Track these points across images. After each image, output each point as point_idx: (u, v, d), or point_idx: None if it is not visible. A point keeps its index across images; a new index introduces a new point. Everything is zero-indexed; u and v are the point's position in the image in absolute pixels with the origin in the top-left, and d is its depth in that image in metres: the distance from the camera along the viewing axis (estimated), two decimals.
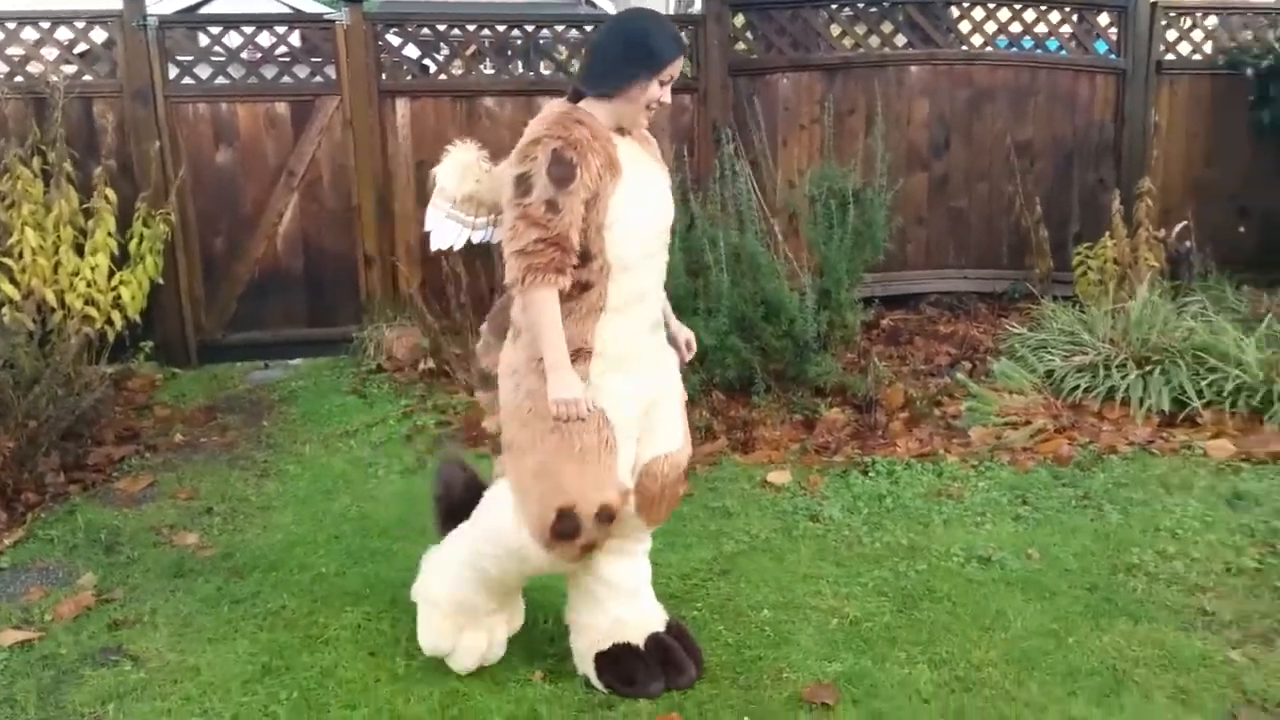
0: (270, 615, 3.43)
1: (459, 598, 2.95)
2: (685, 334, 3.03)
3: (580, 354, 2.66)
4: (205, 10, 12.51)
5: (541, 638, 3.22)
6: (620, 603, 2.96)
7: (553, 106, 2.76)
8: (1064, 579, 3.49)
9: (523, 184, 2.60)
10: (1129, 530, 3.85)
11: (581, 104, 2.76)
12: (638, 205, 2.68)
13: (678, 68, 2.73)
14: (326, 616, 3.39)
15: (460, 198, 2.89)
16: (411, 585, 3.11)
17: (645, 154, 2.83)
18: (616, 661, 2.92)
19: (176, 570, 3.79)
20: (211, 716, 2.88)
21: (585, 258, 2.61)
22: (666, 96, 2.75)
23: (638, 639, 2.95)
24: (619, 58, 2.71)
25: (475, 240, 2.93)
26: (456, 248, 2.91)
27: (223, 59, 6.28)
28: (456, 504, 3.07)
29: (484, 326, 3.02)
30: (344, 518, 4.23)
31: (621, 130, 2.76)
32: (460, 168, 2.87)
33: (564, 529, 2.67)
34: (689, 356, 3.03)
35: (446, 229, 2.90)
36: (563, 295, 2.61)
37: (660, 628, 3.01)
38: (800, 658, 3.05)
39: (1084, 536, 3.81)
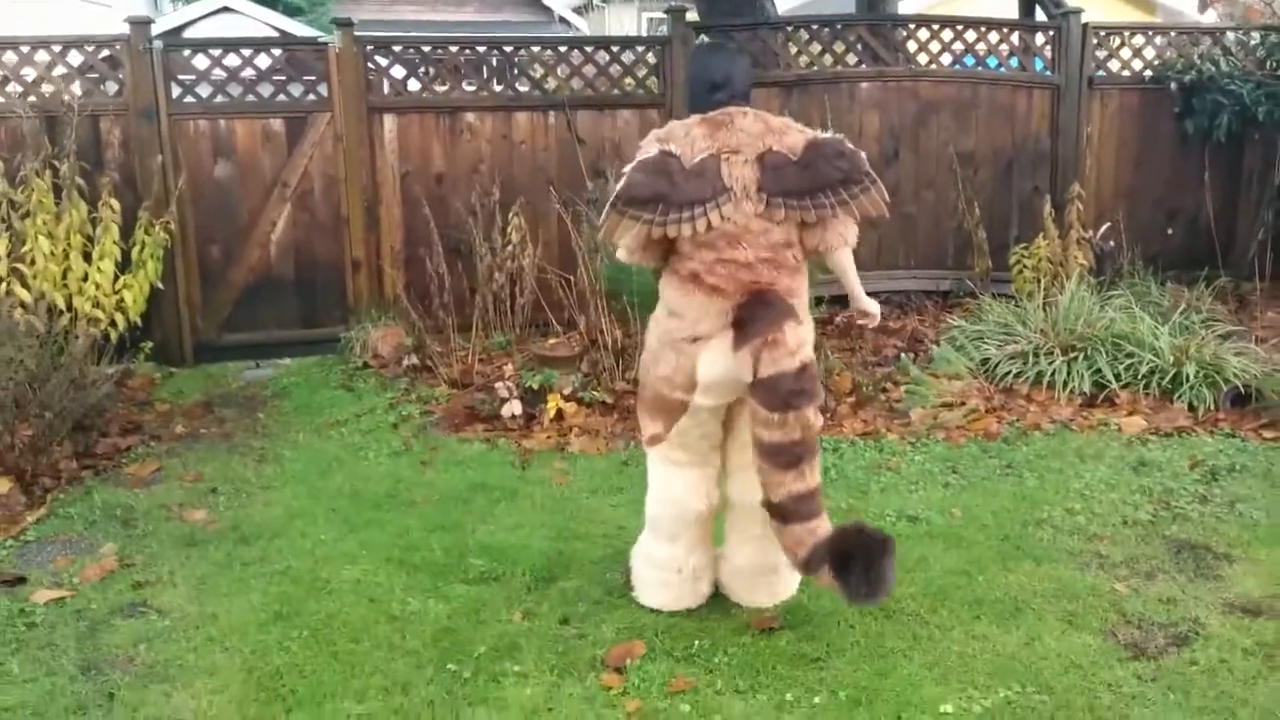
0: (277, 574, 3.84)
1: None
2: None
3: None
4: (188, 34, 12.94)
5: (520, 586, 3.66)
6: None
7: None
8: (981, 532, 3.97)
9: None
10: (1043, 492, 4.34)
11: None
12: None
13: None
14: (328, 573, 3.81)
15: None
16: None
17: None
18: None
19: (189, 540, 4.19)
20: (233, 652, 3.29)
21: None
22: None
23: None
24: None
25: None
26: None
27: (223, 79, 6.72)
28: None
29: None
30: (339, 494, 4.64)
31: None
32: None
33: None
34: None
35: None
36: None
37: None
38: None
39: (1003, 498, 4.30)
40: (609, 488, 4.58)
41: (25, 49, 6.35)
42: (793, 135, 3.20)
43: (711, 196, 3.08)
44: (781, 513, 3.07)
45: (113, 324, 5.96)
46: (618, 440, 5.14)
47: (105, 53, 6.53)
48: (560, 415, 5.37)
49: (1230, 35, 7.86)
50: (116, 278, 6.05)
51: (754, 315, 3.05)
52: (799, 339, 3.03)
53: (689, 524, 3.36)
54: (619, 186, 3.14)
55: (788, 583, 3.47)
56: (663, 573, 3.42)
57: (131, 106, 6.48)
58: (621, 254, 3.28)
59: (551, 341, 6.17)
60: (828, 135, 3.22)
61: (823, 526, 3.08)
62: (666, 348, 3.24)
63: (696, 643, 3.21)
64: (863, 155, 3.22)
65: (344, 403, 5.96)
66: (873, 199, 3.18)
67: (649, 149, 3.19)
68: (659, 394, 3.28)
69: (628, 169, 3.17)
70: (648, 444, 3.41)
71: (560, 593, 3.59)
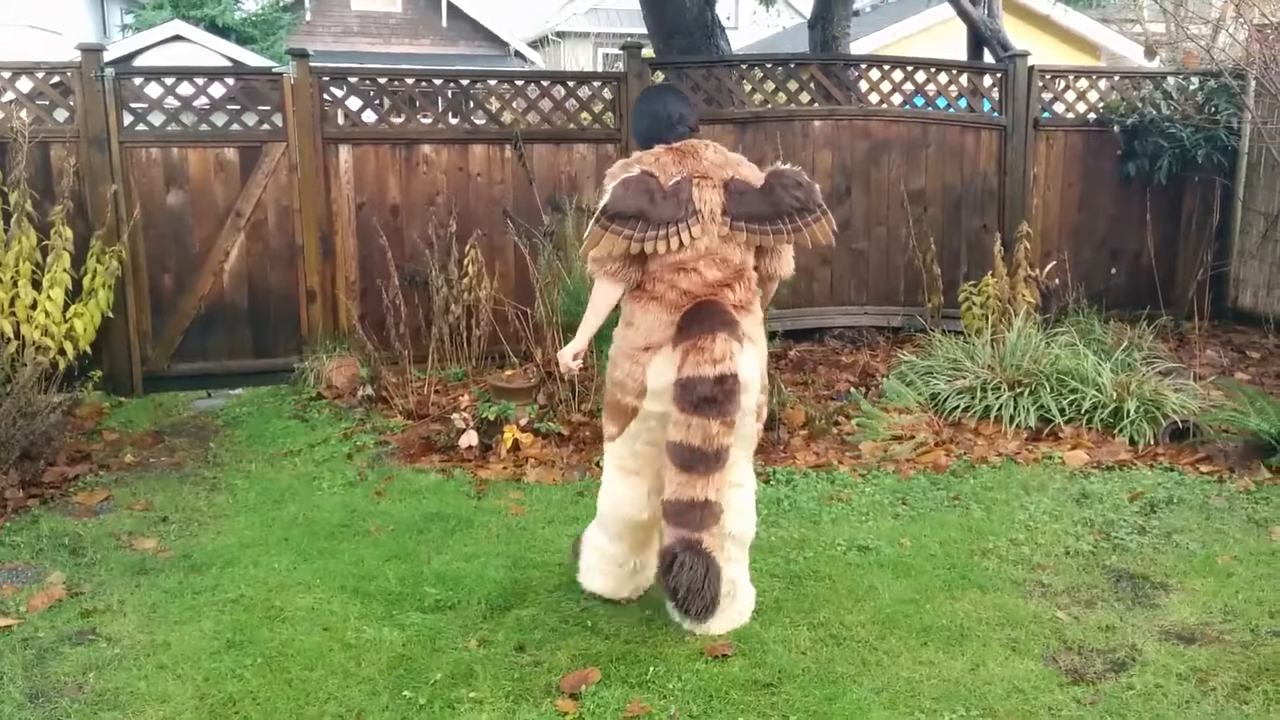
0: (230, 602, 3.82)
1: None
2: None
3: None
4: (140, 62, 12.86)
5: (475, 614, 3.67)
6: None
7: None
8: (929, 561, 4.05)
9: None
10: (989, 523, 4.44)
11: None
12: None
13: None
14: (282, 602, 3.80)
15: None
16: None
17: None
18: None
19: (139, 569, 4.15)
20: (185, 680, 3.27)
21: None
22: None
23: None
24: None
25: None
26: None
27: (176, 107, 6.70)
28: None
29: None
30: (292, 523, 4.63)
31: None
32: None
33: None
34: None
35: None
36: None
37: None
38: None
39: (951, 529, 4.38)
40: (565, 518, 4.60)
41: None
42: (746, 168, 3.46)
43: (684, 217, 3.27)
44: (664, 511, 3.28)
45: (62, 352, 5.89)
46: (574, 471, 5.17)
47: (56, 79, 6.49)
48: (516, 446, 5.40)
49: (1171, 80, 8.11)
50: (67, 306, 5.99)
51: (693, 321, 3.27)
52: (726, 351, 3.18)
53: (632, 528, 3.59)
54: (604, 202, 3.29)
55: (741, 608, 3.52)
56: (608, 564, 3.68)
57: (82, 134, 6.45)
58: (594, 267, 3.40)
59: (508, 373, 6.20)
60: (786, 166, 3.44)
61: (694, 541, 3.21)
62: (622, 356, 3.45)
63: (651, 669, 3.24)
64: (817, 187, 3.45)
65: (297, 433, 5.94)
66: (823, 228, 3.40)
67: (630, 169, 3.35)
68: (615, 398, 3.49)
69: (611, 185, 3.32)
70: (607, 441, 3.61)
71: (516, 620, 3.61)
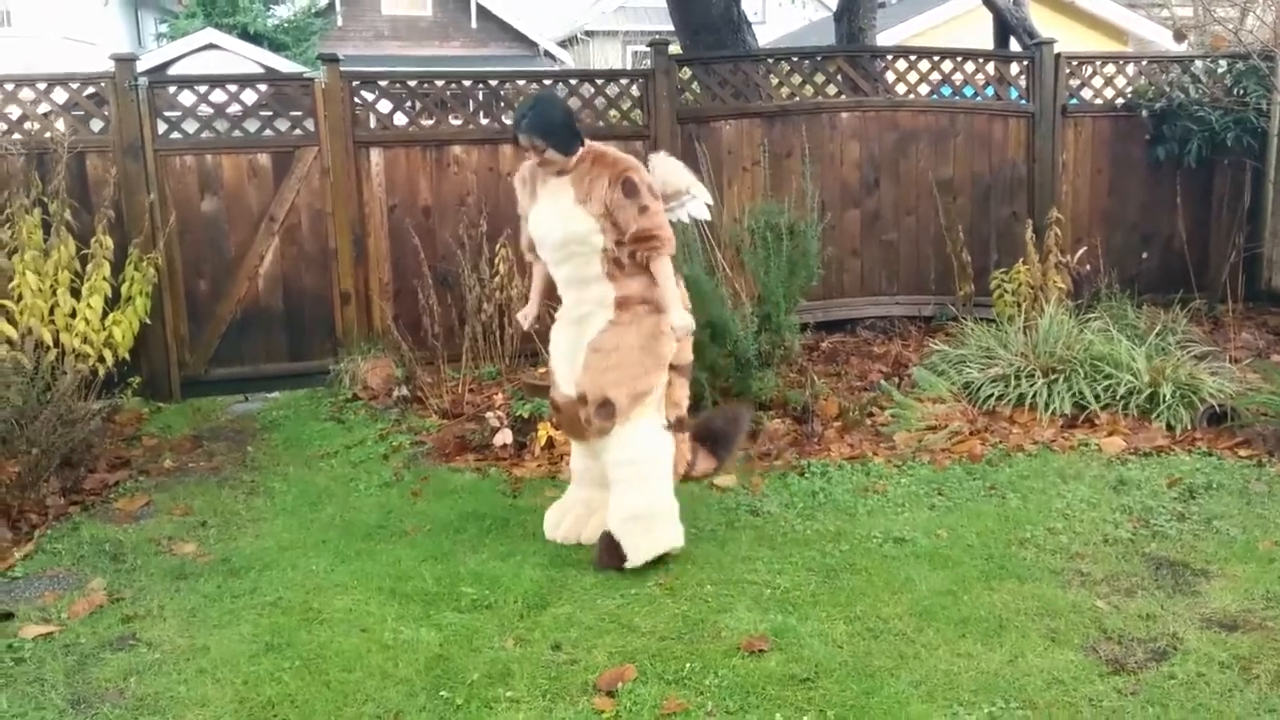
0: (268, 605, 3.85)
1: None
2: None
3: None
4: (174, 70, 12.96)
5: (512, 613, 3.69)
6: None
7: None
8: (966, 552, 4.02)
9: None
10: (1026, 512, 4.40)
11: None
12: (534, 223, 4.12)
13: (524, 139, 3.95)
14: (320, 604, 3.82)
15: None
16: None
17: (562, 188, 4.00)
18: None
19: (179, 574, 4.20)
20: (224, 684, 3.30)
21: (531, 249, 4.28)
22: (529, 156, 4.04)
23: (593, 530, 4.19)
24: None
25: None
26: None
27: (209, 114, 6.78)
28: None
29: None
30: (330, 525, 4.67)
31: (560, 171, 4.01)
32: None
33: None
34: None
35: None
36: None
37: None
38: (737, 621, 3.54)
39: (987, 519, 4.35)
40: None
41: (9, 86, 6.40)
42: None
43: None
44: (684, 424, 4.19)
45: (101, 359, 5.96)
46: None
47: (90, 90, 6.58)
48: (551, 444, 5.41)
49: (1199, 63, 8.00)
50: (105, 314, 6.06)
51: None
52: None
53: (673, 463, 4.10)
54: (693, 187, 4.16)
55: None
56: (667, 513, 4.03)
57: (117, 143, 6.53)
58: (670, 247, 3.95)
59: (541, 370, 6.20)
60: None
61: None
62: (671, 314, 3.99)
63: (687, 665, 3.24)
64: None
65: (334, 435, 5.99)
66: None
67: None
68: (663, 351, 4.00)
69: (692, 187, 4.16)
70: (639, 404, 3.95)
71: (552, 619, 3.62)
